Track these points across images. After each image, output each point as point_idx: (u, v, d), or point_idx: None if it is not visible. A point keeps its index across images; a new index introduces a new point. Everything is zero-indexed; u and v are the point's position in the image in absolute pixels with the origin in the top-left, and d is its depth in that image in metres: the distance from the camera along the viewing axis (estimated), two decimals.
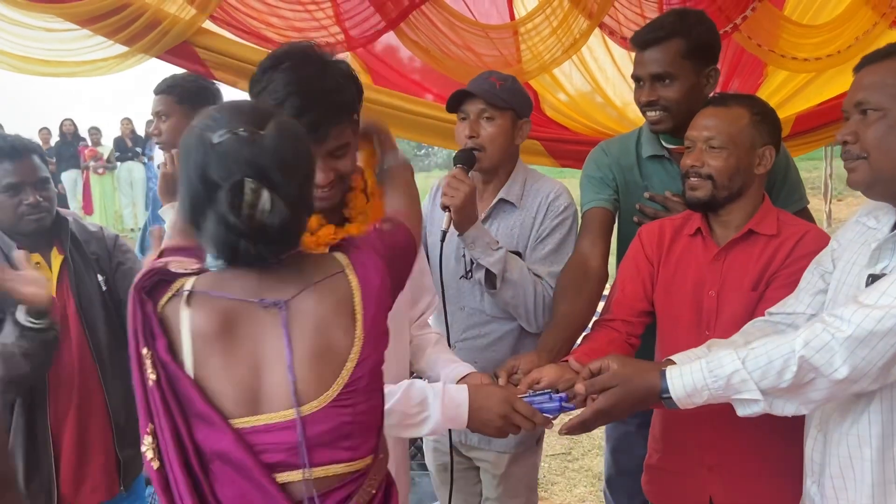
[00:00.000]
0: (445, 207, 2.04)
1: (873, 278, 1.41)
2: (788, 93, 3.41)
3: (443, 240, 2.06)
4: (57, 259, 2.20)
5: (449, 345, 2.14)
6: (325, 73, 1.58)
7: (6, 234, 2.14)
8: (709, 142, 1.78)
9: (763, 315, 1.72)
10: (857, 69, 1.50)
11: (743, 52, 3.27)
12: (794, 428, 1.73)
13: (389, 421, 1.59)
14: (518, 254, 2.17)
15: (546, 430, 2.20)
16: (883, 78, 1.42)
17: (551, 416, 1.67)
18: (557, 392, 1.67)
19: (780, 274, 1.76)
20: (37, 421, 2.13)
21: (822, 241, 1.77)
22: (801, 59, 3.30)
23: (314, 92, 1.54)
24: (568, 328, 2.04)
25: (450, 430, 2.05)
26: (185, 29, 2.49)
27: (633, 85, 2.26)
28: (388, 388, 1.59)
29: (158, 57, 2.52)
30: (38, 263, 2.15)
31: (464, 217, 2.04)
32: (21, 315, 1.95)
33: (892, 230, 1.46)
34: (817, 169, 10.37)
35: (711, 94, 2.08)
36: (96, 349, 2.17)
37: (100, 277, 2.05)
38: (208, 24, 2.56)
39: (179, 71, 2.63)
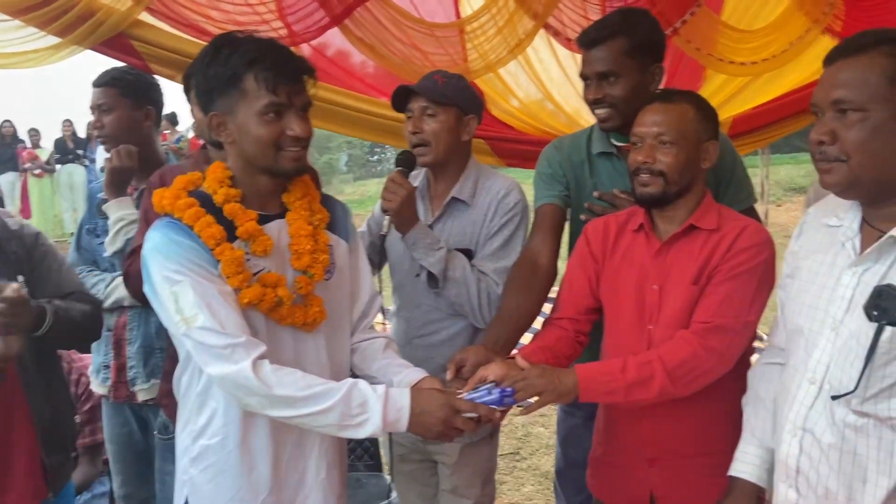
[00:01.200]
0: (385, 211, 2.07)
1: (882, 290, 1.35)
2: (726, 96, 3.48)
3: (382, 242, 2.11)
4: None
5: (402, 343, 2.16)
6: (277, 41, 1.69)
7: None
8: (659, 137, 1.77)
9: (702, 313, 1.73)
10: (829, 62, 1.42)
11: (682, 56, 3.32)
12: (732, 423, 1.76)
13: (328, 419, 1.56)
14: (471, 251, 2.18)
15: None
16: (864, 75, 1.35)
17: (496, 409, 1.66)
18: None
19: (720, 269, 1.76)
20: None
21: (762, 235, 1.78)
22: (737, 62, 3.37)
23: (286, 52, 1.64)
24: (513, 322, 2.04)
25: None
26: (121, 20, 2.43)
27: (578, 87, 2.28)
28: (329, 386, 1.58)
29: (93, 49, 2.45)
30: None
31: (403, 220, 2.07)
32: None
33: (861, 226, 1.45)
34: (755, 176, 10.64)
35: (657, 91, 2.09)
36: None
37: (20, 278, 1.93)
38: (145, 17, 2.50)
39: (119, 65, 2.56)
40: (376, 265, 2.27)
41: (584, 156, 2.28)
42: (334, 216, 1.83)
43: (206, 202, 1.65)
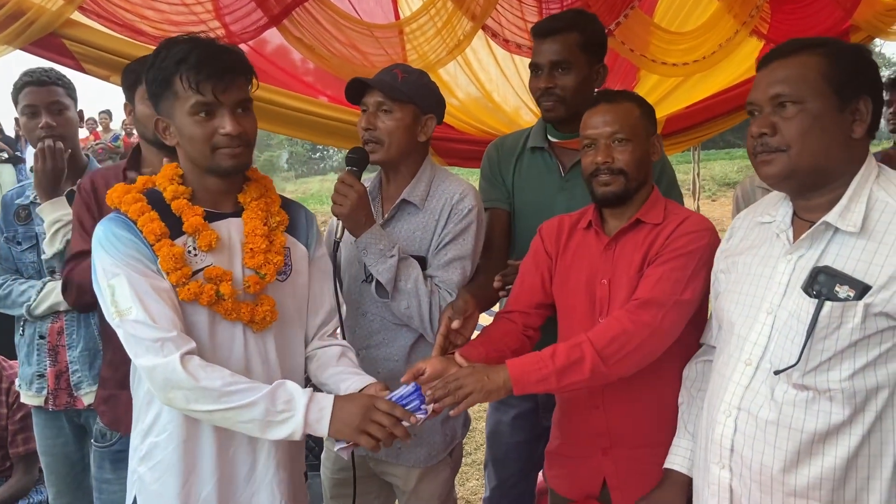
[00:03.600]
0: (336, 215, 1.99)
1: (818, 271, 1.43)
2: (659, 96, 3.57)
3: (335, 249, 2.01)
4: None
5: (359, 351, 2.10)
6: (214, 41, 1.70)
7: None
8: (614, 136, 1.81)
9: (637, 292, 1.77)
10: (764, 65, 1.51)
11: (617, 57, 3.39)
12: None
13: (252, 414, 1.57)
14: (422, 258, 2.08)
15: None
16: (800, 71, 1.44)
17: (417, 412, 1.66)
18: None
19: (661, 253, 1.80)
20: None
21: (704, 223, 1.84)
22: (669, 63, 3.46)
23: (215, 50, 1.63)
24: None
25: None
26: (52, 20, 2.36)
27: (516, 87, 2.31)
28: (255, 384, 1.59)
29: (24, 49, 2.38)
30: None
31: (355, 223, 1.97)
32: None
33: (792, 220, 1.52)
34: (687, 173, 10.90)
35: (597, 92, 2.13)
36: None
37: None
38: (78, 16, 2.44)
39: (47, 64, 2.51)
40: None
41: (520, 150, 2.34)
42: (295, 221, 1.84)
43: (157, 200, 1.67)
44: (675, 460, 1.76)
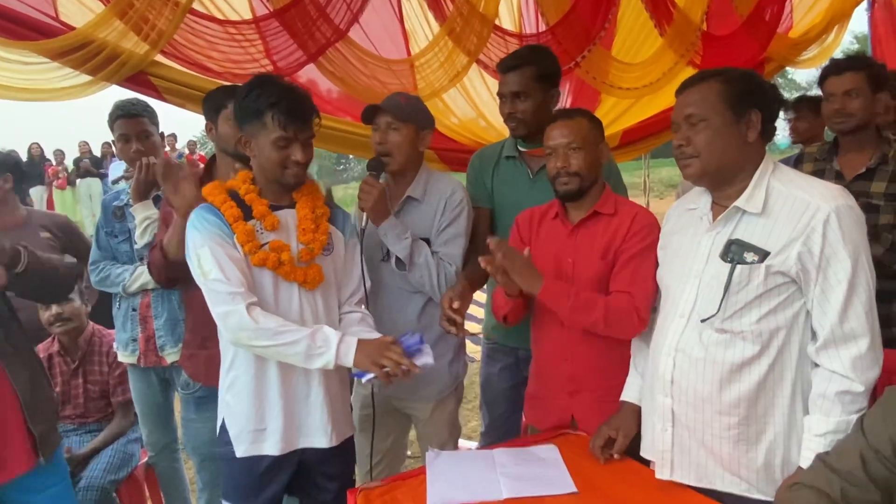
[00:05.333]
0: (362, 209, 2.07)
1: (731, 243, 1.52)
2: (617, 113, 3.63)
3: (361, 238, 2.05)
4: None
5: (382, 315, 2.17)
6: (296, 87, 1.83)
7: None
8: (569, 146, 1.87)
9: (620, 284, 1.84)
10: (679, 92, 1.59)
11: (582, 83, 3.45)
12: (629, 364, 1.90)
13: (297, 349, 1.69)
14: (426, 240, 2.16)
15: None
16: (704, 95, 1.52)
17: (423, 356, 1.75)
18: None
19: (623, 249, 1.87)
20: None
21: (649, 217, 1.91)
22: (624, 88, 3.53)
23: (299, 98, 1.77)
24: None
25: (372, 387, 2.11)
26: (140, 61, 2.42)
27: None
28: (300, 327, 1.72)
29: (118, 84, 2.44)
30: None
31: (377, 214, 2.06)
32: None
33: (711, 206, 1.61)
34: (639, 177, 10.92)
35: (555, 111, 2.16)
36: None
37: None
38: (159, 57, 2.50)
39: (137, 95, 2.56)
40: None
41: (496, 158, 2.39)
42: (335, 215, 1.95)
43: (234, 195, 1.82)
44: (629, 394, 1.84)
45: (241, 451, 1.82)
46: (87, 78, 2.36)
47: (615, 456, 1.77)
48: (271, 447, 1.82)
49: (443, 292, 2.12)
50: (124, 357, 2.66)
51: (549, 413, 2.03)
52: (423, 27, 2.99)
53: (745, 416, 1.51)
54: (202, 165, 2.58)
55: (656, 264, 1.79)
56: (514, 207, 2.21)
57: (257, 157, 1.80)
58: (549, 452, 1.84)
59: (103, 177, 11.74)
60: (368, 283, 2.07)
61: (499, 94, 2.30)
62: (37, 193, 12.10)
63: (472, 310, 2.35)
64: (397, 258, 2.11)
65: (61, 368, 2.89)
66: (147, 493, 2.95)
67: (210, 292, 1.72)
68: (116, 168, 11.05)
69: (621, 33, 3.53)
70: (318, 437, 1.86)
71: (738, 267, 1.49)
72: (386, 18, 2.93)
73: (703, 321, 1.54)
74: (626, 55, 3.52)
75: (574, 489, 1.63)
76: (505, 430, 2.54)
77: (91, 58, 2.34)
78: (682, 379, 1.57)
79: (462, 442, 2.50)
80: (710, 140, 1.52)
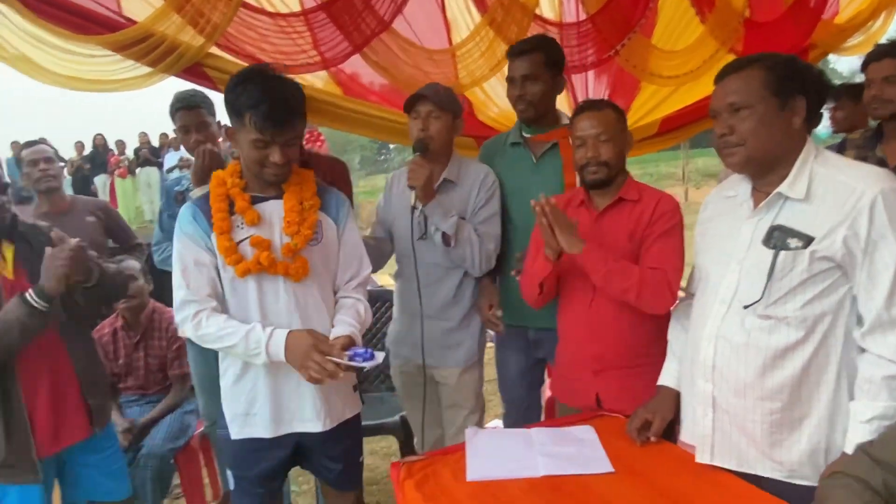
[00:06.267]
0: (412, 187, 2.10)
1: (774, 229, 1.47)
2: (656, 101, 3.52)
3: (412, 213, 2.12)
4: (8, 250, 2.04)
5: (419, 290, 2.22)
6: (283, 85, 1.72)
7: None
8: (598, 137, 1.86)
9: (651, 262, 1.82)
10: (719, 79, 1.52)
11: (622, 71, 3.36)
12: (653, 344, 1.88)
13: (237, 350, 1.72)
14: (464, 219, 2.22)
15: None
16: (746, 82, 1.46)
17: (361, 363, 1.69)
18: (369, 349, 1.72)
19: (649, 231, 1.86)
20: (7, 387, 2.00)
21: (672, 202, 1.90)
22: (664, 76, 3.42)
23: (280, 100, 1.67)
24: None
25: (422, 353, 2.19)
26: (196, 53, 2.44)
27: None
28: (235, 329, 1.70)
29: (176, 76, 2.47)
30: None
31: (426, 193, 2.11)
32: (31, 295, 1.88)
33: (752, 192, 1.55)
34: (677, 166, 10.67)
35: (581, 101, 2.12)
36: (59, 323, 2.05)
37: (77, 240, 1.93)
38: (214, 49, 2.52)
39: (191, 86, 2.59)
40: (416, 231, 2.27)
41: (502, 145, 2.43)
42: (327, 202, 1.87)
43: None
44: (666, 378, 1.80)
45: (234, 433, 1.85)
46: (147, 70, 2.40)
47: (652, 439, 1.74)
48: (262, 430, 1.83)
49: (482, 267, 2.19)
50: (183, 332, 2.72)
51: (575, 391, 2.02)
52: (464, 17, 2.94)
53: (788, 401, 1.46)
54: None
55: (682, 244, 1.79)
56: (519, 192, 2.28)
57: (240, 151, 1.76)
58: (585, 433, 1.82)
59: (161, 166, 12.04)
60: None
61: (508, 78, 2.32)
62: (100, 181, 12.52)
63: None
64: (443, 235, 2.15)
65: (124, 342, 2.98)
66: (202, 461, 3.04)
67: (174, 296, 1.77)
68: (172, 158, 11.32)
69: (662, 21, 3.41)
70: (311, 422, 1.84)
71: (782, 253, 1.43)
72: (428, 9, 2.89)
73: (745, 307, 1.49)
74: (667, 43, 3.40)
75: (611, 469, 1.61)
76: (524, 410, 2.54)
77: (151, 50, 2.37)
78: (724, 365, 1.53)
79: (493, 422, 2.49)
80: (755, 128, 1.46)
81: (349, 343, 1.72)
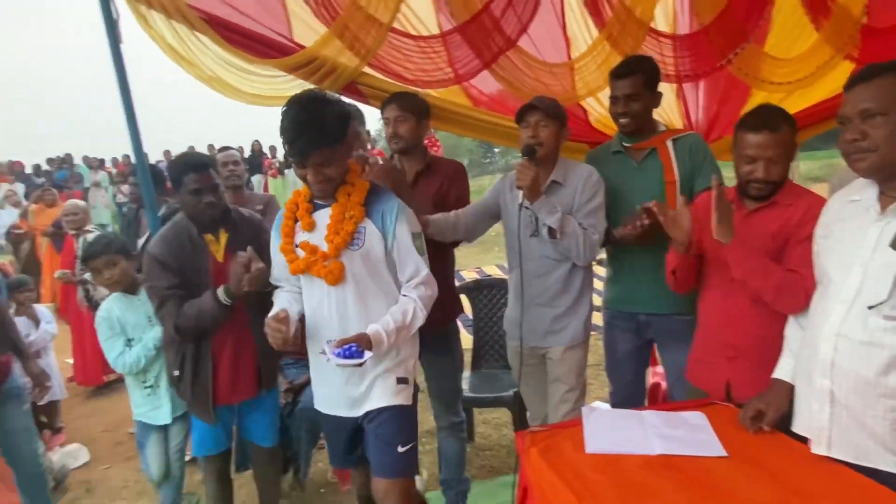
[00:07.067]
0: (520, 187, 2.12)
1: None
2: None
3: (520, 211, 2.15)
4: (223, 236, 2.27)
5: (522, 282, 2.25)
6: (315, 114, 1.71)
7: (191, 220, 2.26)
8: (772, 159, 1.76)
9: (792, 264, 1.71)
10: (850, 86, 1.42)
11: (732, 77, 3.17)
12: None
13: None
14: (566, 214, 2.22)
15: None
16: (883, 90, 1.36)
17: (355, 357, 1.70)
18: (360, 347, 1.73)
19: (796, 232, 1.74)
20: (201, 349, 2.26)
21: (822, 206, 1.72)
22: (776, 83, 3.18)
23: (302, 131, 1.70)
24: None
25: (520, 333, 2.21)
26: (353, 73, 2.57)
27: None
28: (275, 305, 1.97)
29: (336, 92, 2.59)
30: (210, 240, 2.25)
31: (532, 193, 2.12)
32: (221, 293, 2.10)
33: (878, 196, 1.44)
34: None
35: (756, 112, 1.88)
36: (247, 301, 2.20)
37: (249, 248, 2.08)
38: (366, 69, 2.64)
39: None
40: (533, 226, 2.28)
41: (607, 153, 2.42)
42: (372, 211, 1.86)
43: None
44: (781, 372, 1.71)
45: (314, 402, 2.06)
46: (313, 86, 2.54)
47: (765, 428, 1.65)
48: (319, 405, 2.02)
49: (587, 258, 2.18)
50: None
51: (708, 374, 1.94)
52: (583, 33, 2.89)
53: None
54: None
55: None
56: (622, 192, 2.31)
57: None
58: (697, 419, 1.75)
59: None
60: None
61: (612, 97, 2.33)
62: (256, 180, 13.42)
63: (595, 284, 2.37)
64: (549, 230, 2.16)
65: None
66: None
67: None
68: None
69: (775, 29, 3.16)
70: (342, 408, 1.95)
71: None
72: (550, 26, 2.86)
73: (870, 308, 1.38)
74: (780, 51, 3.15)
75: (725, 453, 1.55)
76: (631, 391, 2.48)
77: (316, 70, 2.53)
78: (844, 362, 1.43)
79: (595, 404, 2.43)
80: (891, 135, 1.35)
81: (343, 342, 1.73)
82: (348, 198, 1.85)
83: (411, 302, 1.86)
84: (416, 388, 2.05)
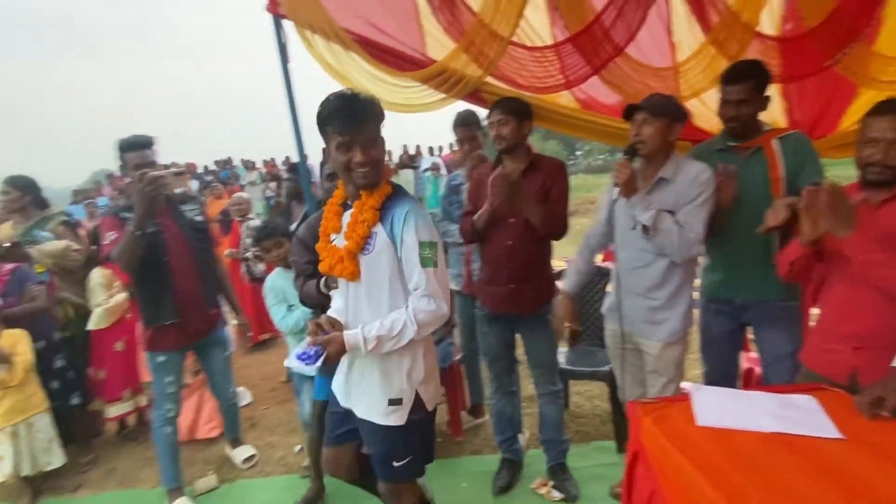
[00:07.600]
0: (616, 185, 2.05)
1: None
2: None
3: (611, 207, 2.09)
4: None
5: (619, 273, 2.17)
6: (355, 97, 1.58)
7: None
8: (891, 141, 1.61)
9: None
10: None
11: (839, 76, 2.83)
12: None
13: None
14: (673, 213, 2.04)
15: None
16: None
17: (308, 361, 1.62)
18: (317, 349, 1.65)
19: None
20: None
21: None
22: (885, 81, 2.81)
23: (352, 105, 1.56)
24: None
25: (620, 324, 2.13)
26: (476, 82, 2.57)
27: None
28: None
29: (461, 99, 2.62)
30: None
31: (627, 190, 2.03)
32: (322, 285, 2.11)
33: None
34: None
35: (884, 100, 1.73)
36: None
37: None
38: (487, 78, 2.63)
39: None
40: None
41: (712, 151, 2.24)
42: (385, 217, 1.65)
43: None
44: None
45: None
46: (442, 96, 2.59)
47: (883, 414, 1.47)
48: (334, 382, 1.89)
49: (682, 255, 2.03)
50: (453, 285, 2.94)
51: (832, 362, 1.75)
52: (687, 39, 2.70)
53: None
54: None
55: None
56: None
57: (332, 162, 1.63)
58: (807, 402, 1.60)
59: (416, 168, 13.00)
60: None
61: (723, 100, 2.15)
62: (403, 178, 13.75)
63: None
64: (644, 226, 2.05)
65: None
66: (457, 381, 3.28)
67: None
68: (425, 162, 12.18)
69: (887, 28, 2.78)
70: (339, 392, 1.85)
71: None
72: (655, 32, 2.70)
73: None
74: (892, 49, 2.76)
75: (841, 435, 1.40)
76: (725, 372, 2.31)
77: (446, 81, 2.55)
78: None
79: (685, 384, 2.30)
80: None
81: (315, 342, 1.65)
82: (364, 201, 1.67)
83: (403, 314, 1.64)
84: (432, 412, 1.81)
